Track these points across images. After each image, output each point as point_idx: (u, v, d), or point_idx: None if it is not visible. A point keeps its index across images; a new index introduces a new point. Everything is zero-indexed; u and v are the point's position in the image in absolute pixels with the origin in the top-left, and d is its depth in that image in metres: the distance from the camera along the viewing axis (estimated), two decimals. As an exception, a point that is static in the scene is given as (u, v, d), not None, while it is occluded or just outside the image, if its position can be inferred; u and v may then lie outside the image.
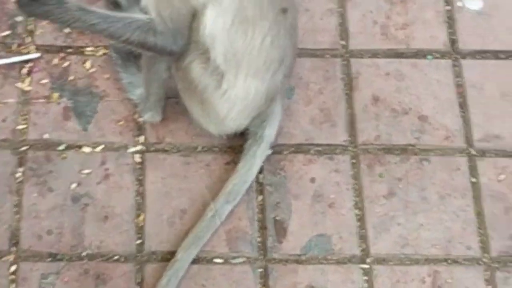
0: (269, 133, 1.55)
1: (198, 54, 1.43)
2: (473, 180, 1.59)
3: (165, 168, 1.57)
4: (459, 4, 1.77)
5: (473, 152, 1.62)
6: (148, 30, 1.38)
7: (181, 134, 1.60)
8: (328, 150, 1.61)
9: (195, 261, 1.48)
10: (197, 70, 1.44)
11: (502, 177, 1.59)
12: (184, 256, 1.47)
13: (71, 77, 1.64)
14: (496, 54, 1.72)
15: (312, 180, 1.58)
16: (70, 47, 1.67)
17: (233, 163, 1.57)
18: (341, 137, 1.62)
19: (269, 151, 1.57)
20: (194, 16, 1.40)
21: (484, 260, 1.52)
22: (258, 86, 1.45)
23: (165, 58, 1.46)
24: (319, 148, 1.61)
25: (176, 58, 1.44)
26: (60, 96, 1.62)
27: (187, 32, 1.40)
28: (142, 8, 1.44)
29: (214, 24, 1.39)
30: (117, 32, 1.38)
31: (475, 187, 1.59)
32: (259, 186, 1.57)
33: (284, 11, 1.43)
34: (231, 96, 1.45)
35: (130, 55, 1.63)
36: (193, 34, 1.41)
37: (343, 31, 1.73)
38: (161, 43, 1.39)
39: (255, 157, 1.54)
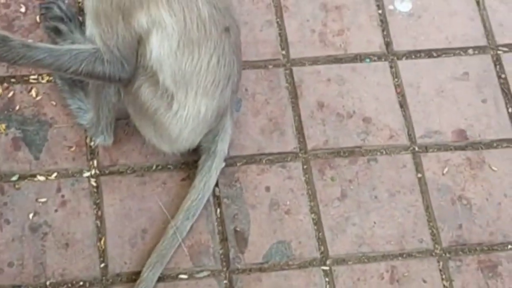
0: (222, 147, 1.58)
1: (147, 78, 1.45)
2: (419, 175, 1.67)
3: (121, 189, 1.58)
4: (390, 7, 1.84)
5: (417, 148, 1.70)
6: (96, 60, 1.40)
7: (135, 154, 1.62)
8: (280, 159, 1.65)
9: (160, 279, 1.50)
10: (147, 93, 1.46)
11: (445, 170, 1.67)
12: (149, 275, 1.48)
13: (17, 107, 1.63)
14: (429, 53, 1.80)
15: (267, 189, 1.62)
16: (13, 77, 1.66)
17: (189, 179, 1.60)
18: (291, 145, 1.67)
19: (223, 164, 1.61)
20: (140, 42, 1.42)
21: (437, 251, 1.59)
22: (208, 104, 1.48)
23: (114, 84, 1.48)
24: (271, 157, 1.65)
25: (125, 83, 1.46)
26: (8, 127, 1.61)
27: (134, 58, 1.42)
28: (85, 35, 1.45)
29: (160, 49, 1.41)
30: (64, 65, 1.39)
31: (422, 182, 1.66)
32: (216, 200, 1.60)
33: (226, 29, 1.46)
34: (183, 116, 1.48)
35: (75, 81, 1.63)
36: (140, 59, 1.43)
37: (283, 41, 1.77)
38: (109, 72, 1.41)
39: (211, 172, 1.57)
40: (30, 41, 1.38)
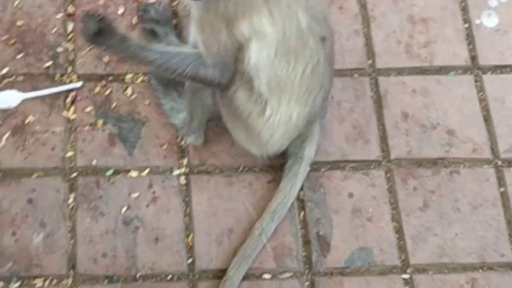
0: (309, 152, 1.63)
1: (243, 83, 1.50)
2: (502, 189, 1.68)
3: (209, 189, 1.64)
4: (476, 21, 1.86)
5: (500, 163, 1.71)
6: (200, 64, 1.46)
7: (223, 155, 1.67)
8: (363, 166, 1.69)
9: (244, 277, 1.55)
10: (242, 98, 1.51)
11: (528, 186, 1.68)
12: (235, 274, 1.54)
13: (114, 104, 1.70)
14: (514, 68, 1.81)
15: (350, 195, 1.66)
16: (110, 75, 1.73)
17: (275, 181, 1.65)
18: (375, 153, 1.70)
19: (308, 169, 1.65)
20: (239, 49, 1.47)
21: (517, 265, 1.61)
22: (300, 111, 1.53)
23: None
24: (354, 164, 1.69)
25: (222, 87, 1.51)
26: (105, 123, 1.68)
27: (234, 65, 1.48)
28: (178, 38, 1.51)
29: (259, 56, 1.46)
30: (172, 67, 1.45)
31: (504, 197, 1.67)
32: (301, 203, 1.64)
33: (323, 39, 1.50)
34: (275, 121, 1.53)
35: (170, 81, 1.70)
36: (238, 65, 1.49)
37: (369, 51, 1.81)
38: (210, 76, 1.47)
39: (297, 176, 1.61)
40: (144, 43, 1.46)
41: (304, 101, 1.52)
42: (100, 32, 1.42)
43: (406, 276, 1.59)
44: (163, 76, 1.70)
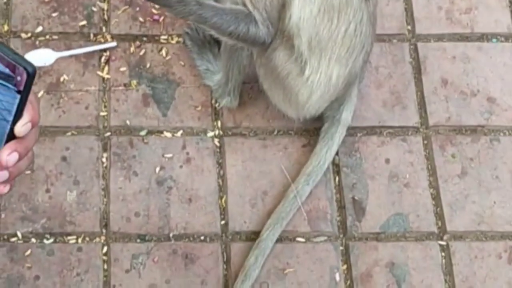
0: (346, 116, 1.60)
1: (282, 42, 1.47)
2: (543, 159, 1.64)
3: (243, 151, 1.62)
4: (520, -12, 1.81)
5: (542, 132, 1.67)
6: (251, 21, 1.43)
7: (258, 118, 1.65)
8: (401, 132, 1.66)
9: (278, 240, 1.53)
10: (281, 57, 1.48)
11: None
12: (269, 236, 1.52)
13: (148, 65, 1.69)
14: (558, 37, 1.76)
15: (387, 161, 1.63)
16: (145, 36, 1.71)
17: (310, 145, 1.62)
18: (413, 119, 1.67)
19: (345, 133, 1.62)
20: (283, 6, 1.44)
21: (557, 236, 1.57)
22: (341, 72, 1.49)
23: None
24: (392, 130, 1.66)
25: (267, 46, 1.48)
26: (139, 83, 1.67)
27: (277, 22, 1.45)
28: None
29: (301, 13, 1.43)
30: (225, 24, 1.42)
31: (545, 166, 1.63)
32: (336, 168, 1.62)
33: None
34: (314, 81, 1.50)
35: (205, 42, 1.67)
36: (279, 23, 1.46)
37: (409, 17, 1.77)
38: (259, 34, 1.43)
39: (333, 140, 1.59)
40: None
41: (345, 61, 1.48)
42: None
43: (442, 242, 1.56)
44: (199, 36, 1.68)
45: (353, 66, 1.50)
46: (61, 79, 1.65)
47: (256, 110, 1.66)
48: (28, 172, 1.55)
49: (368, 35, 1.49)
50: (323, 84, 1.50)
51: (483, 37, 1.76)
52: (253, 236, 1.54)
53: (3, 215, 1.51)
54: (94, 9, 1.72)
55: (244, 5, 1.43)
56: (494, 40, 1.76)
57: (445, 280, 1.53)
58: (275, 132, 1.65)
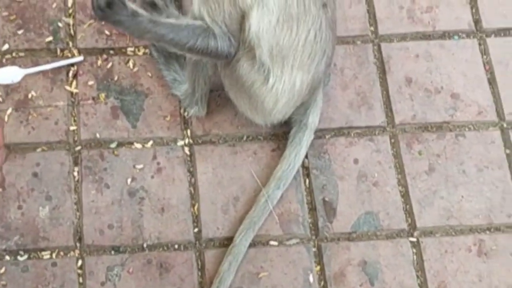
0: (313, 120, 1.62)
1: (245, 52, 1.49)
2: (507, 151, 1.67)
3: (214, 158, 1.64)
4: (479, -16, 1.85)
5: (505, 125, 1.70)
6: (209, 36, 1.44)
7: (226, 125, 1.67)
8: (368, 132, 1.68)
9: (251, 245, 1.55)
10: (244, 67, 1.50)
11: (534, 147, 1.67)
12: (242, 241, 1.54)
13: (116, 77, 1.70)
14: (518, 31, 1.80)
15: (355, 161, 1.65)
16: (111, 49, 1.73)
17: (279, 150, 1.64)
18: (379, 119, 1.69)
19: (313, 136, 1.64)
20: (243, 17, 1.46)
21: (525, 226, 1.60)
22: (303, 78, 1.52)
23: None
24: (359, 131, 1.68)
25: (230, 58, 1.50)
26: (107, 96, 1.68)
27: (239, 33, 1.47)
28: (179, 10, 1.48)
29: (260, 24, 1.45)
30: (183, 40, 1.43)
31: (510, 158, 1.66)
32: (306, 170, 1.64)
33: (324, 5, 1.49)
34: (278, 89, 1.52)
35: (171, 53, 1.69)
36: (240, 34, 1.48)
37: (372, 18, 1.80)
38: (220, 47, 1.45)
39: (301, 144, 1.61)
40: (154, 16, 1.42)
41: (307, 67, 1.51)
42: (110, 5, 1.38)
43: (413, 239, 1.58)
44: (164, 48, 1.70)
45: (316, 71, 1.53)
46: (29, 95, 1.66)
47: (224, 118, 1.68)
48: None
49: (329, 40, 1.51)
50: (287, 91, 1.52)
51: (445, 35, 1.79)
52: (227, 242, 1.55)
53: (-23, 234, 1.53)
54: (60, 24, 1.74)
55: (203, 19, 1.45)
56: (456, 37, 1.79)
57: (417, 276, 1.56)
58: (244, 138, 1.67)
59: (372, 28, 1.79)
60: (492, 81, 1.74)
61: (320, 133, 1.67)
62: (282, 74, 1.50)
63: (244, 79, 1.52)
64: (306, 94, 1.56)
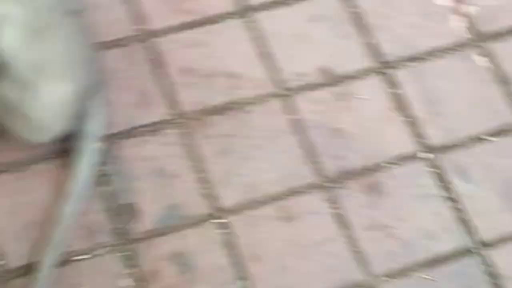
0: (96, 128, 1.59)
1: (2, 73, 1.44)
2: (290, 117, 1.73)
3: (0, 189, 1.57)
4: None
5: (285, 92, 1.76)
6: None
7: (7, 152, 1.60)
8: (155, 128, 1.68)
9: (62, 264, 1.50)
10: (5, 88, 1.46)
11: (315, 108, 1.74)
12: (48, 263, 1.48)
13: None
14: (284, 2, 1.86)
15: (149, 158, 1.64)
16: None
17: (67, 166, 1.60)
18: (164, 113, 1.70)
19: (99, 144, 1.61)
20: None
21: (323, 183, 1.66)
22: (68, 89, 1.50)
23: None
24: (146, 129, 1.68)
25: None
26: None
27: None
28: None
29: (10, 43, 1.42)
30: None
31: (294, 123, 1.72)
32: (101, 178, 1.61)
33: (73, 13, 1.48)
34: (45, 105, 1.49)
35: None
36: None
37: (139, 16, 1.80)
38: None
39: (88, 154, 1.58)
40: None
41: (69, 78, 1.49)
42: None
43: (220, 220, 1.60)
44: None
45: (81, 80, 1.51)
46: None
47: (2, 146, 1.61)
48: None
49: (85, 46, 1.50)
50: (55, 105, 1.49)
51: (212, 19, 1.82)
52: (34, 267, 1.49)
53: None
54: None
55: None
56: (222, 20, 1.83)
57: (230, 255, 1.57)
58: (27, 162, 1.61)
59: (140, 26, 1.79)
60: (265, 54, 1.80)
61: (108, 139, 1.64)
62: (45, 89, 1.47)
63: (7, 100, 1.47)
64: (76, 104, 1.53)
